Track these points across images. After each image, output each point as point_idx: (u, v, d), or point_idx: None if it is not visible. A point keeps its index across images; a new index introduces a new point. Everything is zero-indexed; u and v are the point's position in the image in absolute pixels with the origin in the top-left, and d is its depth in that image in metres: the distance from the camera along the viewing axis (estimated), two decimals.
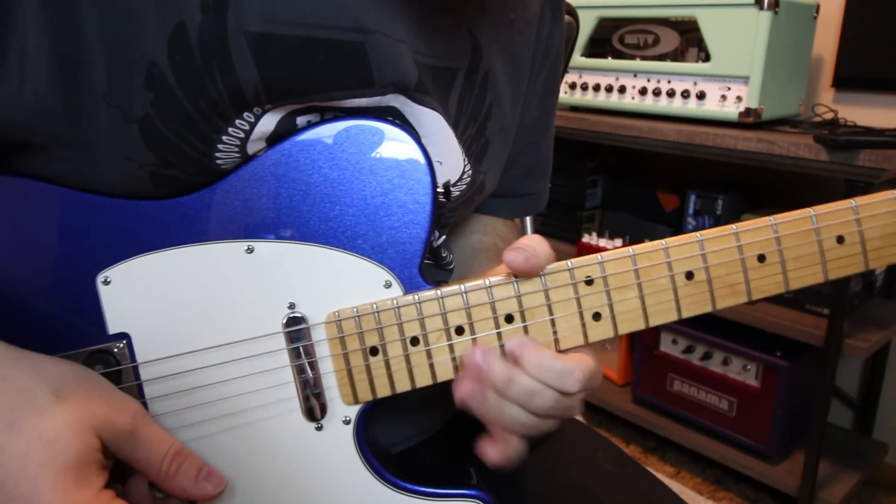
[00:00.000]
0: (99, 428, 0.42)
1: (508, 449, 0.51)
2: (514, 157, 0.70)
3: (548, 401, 0.49)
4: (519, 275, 0.51)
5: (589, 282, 0.51)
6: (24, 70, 0.42)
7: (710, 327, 1.73)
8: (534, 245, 0.50)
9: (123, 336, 0.49)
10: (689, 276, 0.51)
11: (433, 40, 0.54)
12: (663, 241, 0.51)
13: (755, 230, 0.51)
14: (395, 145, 0.50)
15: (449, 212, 0.62)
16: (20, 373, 0.42)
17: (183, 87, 0.45)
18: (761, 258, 0.52)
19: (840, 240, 0.52)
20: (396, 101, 0.53)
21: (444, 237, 0.65)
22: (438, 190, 0.53)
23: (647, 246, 0.51)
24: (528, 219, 1.15)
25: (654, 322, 0.52)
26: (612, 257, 0.51)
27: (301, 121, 0.51)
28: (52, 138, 0.45)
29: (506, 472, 0.68)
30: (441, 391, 0.53)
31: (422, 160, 0.51)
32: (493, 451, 0.52)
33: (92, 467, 0.41)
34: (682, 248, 0.51)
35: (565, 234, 2.07)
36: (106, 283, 0.48)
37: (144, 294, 0.49)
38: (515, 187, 0.73)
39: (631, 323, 0.52)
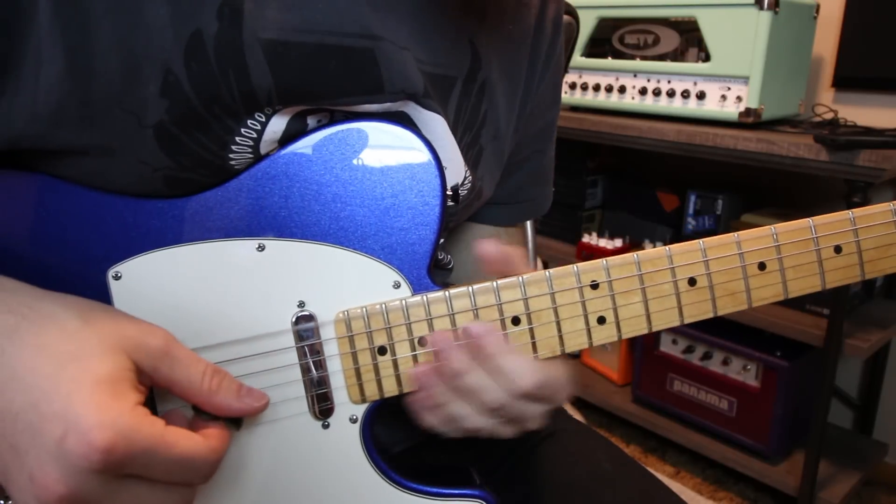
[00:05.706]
0: (130, 350, 0.41)
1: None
2: (520, 164, 0.70)
3: (496, 399, 0.50)
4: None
5: (594, 286, 0.52)
6: (38, 79, 0.42)
7: (710, 327, 1.73)
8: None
9: None
10: (692, 282, 0.52)
11: (434, 48, 0.55)
12: (667, 248, 0.52)
13: (756, 239, 0.52)
14: (406, 148, 0.51)
15: (450, 216, 0.62)
16: (46, 302, 0.42)
17: (198, 93, 0.45)
18: (762, 266, 0.53)
19: (838, 250, 0.53)
20: (406, 106, 0.53)
21: (441, 240, 0.65)
22: (447, 192, 0.53)
23: (652, 252, 0.52)
24: (528, 222, 1.15)
25: (657, 327, 0.53)
26: (618, 262, 0.52)
27: (312, 121, 0.51)
28: (66, 145, 0.45)
29: (507, 472, 0.68)
30: None
31: (432, 163, 0.51)
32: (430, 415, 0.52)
33: (126, 384, 0.40)
34: (685, 255, 0.52)
35: (565, 234, 2.07)
36: (116, 278, 0.49)
37: (154, 290, 0.49)
38: (519, 193, 0.74)
39: (634, 327, 0.53)
